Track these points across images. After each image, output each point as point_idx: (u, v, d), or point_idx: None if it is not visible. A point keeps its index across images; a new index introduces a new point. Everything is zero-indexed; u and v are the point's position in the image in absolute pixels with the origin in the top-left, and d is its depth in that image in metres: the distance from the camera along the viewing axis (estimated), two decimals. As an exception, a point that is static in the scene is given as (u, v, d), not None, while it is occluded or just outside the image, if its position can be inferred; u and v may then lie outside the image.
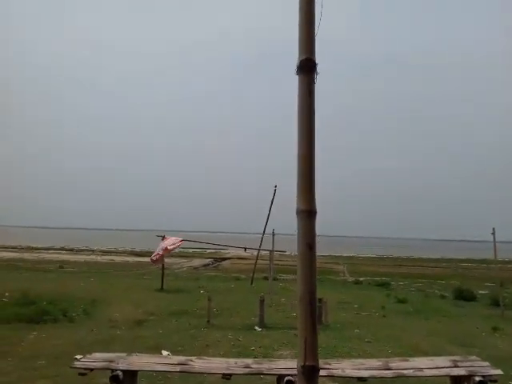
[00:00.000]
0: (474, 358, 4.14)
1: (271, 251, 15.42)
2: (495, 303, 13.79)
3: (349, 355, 6.59)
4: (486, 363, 3.94)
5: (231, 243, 29.93)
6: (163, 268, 16.52)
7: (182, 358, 3.96)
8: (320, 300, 10.11)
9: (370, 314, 12.07)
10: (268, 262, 15.64)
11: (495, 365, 6.43)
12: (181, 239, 16.63)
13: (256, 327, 9.11)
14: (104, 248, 52.61)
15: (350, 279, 25.04)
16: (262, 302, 9.48)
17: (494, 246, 13.29)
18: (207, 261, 37.23)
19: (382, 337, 8.34)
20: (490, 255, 14.87)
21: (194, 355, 6.10)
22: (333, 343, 7.56)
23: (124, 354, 4.01)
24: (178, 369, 3.72)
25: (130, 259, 37.31)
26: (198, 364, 3.80)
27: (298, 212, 1.16)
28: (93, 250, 47.59)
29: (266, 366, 3.74)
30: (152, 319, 9.92)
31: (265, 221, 18.50)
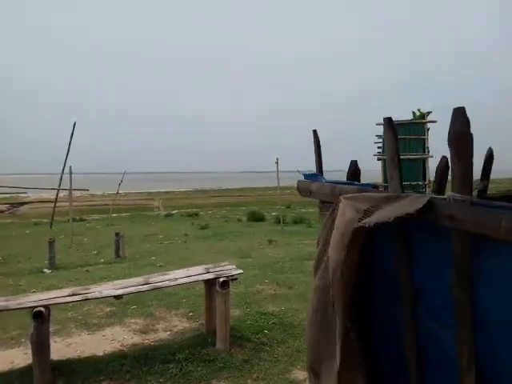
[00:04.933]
0: (225, 263, 4.91)
1: (70, 190, 14.45)
2: (278, 221, 16.41)
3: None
4: (232, 266, 4.74)
5: (31, 185, 26.56)
6: None
7: None
8: (117, 234, 10.18)
9: (172, 242, 12.85)
10: (74, 203, 14.59)
11: (259, 267, 7.79)
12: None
13: (45, 270, 8.64)
14: None
15: (163, 213, 25.74)
16: (51, 243, 8.96)
17: (277, 174, 15.60)
18: (2, 207, 32.26)
19: (174, 260, 9.06)
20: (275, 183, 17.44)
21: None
22: (127, 272, 7.84)
23: None
24: None
25: None
26: None
27: None
28: None
29: (16, 302, 3.64)
30: None
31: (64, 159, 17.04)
